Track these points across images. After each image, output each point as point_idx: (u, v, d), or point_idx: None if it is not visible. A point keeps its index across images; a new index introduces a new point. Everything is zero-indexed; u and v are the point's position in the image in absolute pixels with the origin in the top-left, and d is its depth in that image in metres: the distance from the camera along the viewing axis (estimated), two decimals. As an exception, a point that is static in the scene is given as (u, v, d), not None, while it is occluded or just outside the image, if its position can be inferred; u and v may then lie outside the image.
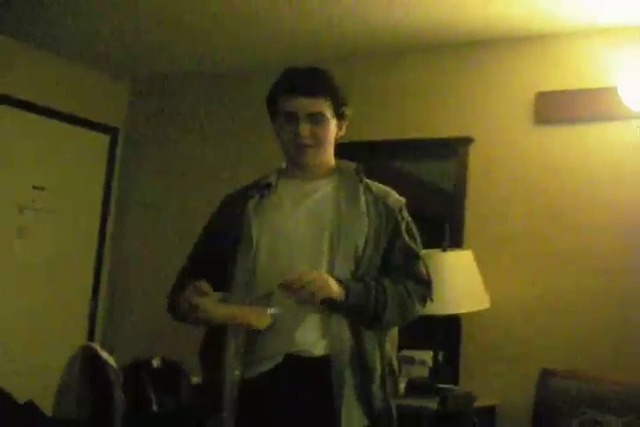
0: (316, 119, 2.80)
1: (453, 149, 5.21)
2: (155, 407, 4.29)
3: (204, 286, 2.63)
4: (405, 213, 2.89)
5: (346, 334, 2.66)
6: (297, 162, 2.86)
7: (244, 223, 2.77)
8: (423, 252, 4.66)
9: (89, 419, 4.02)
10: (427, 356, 4.76)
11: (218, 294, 2.64)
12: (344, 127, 2.95)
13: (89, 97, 6.10)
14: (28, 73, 5.68)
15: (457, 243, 4.96)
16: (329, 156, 2.92)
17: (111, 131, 6.27)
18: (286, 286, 2.56)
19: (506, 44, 5.11)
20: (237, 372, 2.65)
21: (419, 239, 2.89)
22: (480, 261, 4.71)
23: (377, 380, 2.69)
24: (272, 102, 2.86)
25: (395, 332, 2.87)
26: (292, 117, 2.79)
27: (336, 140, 2.92)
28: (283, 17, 4.99)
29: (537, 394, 4.49)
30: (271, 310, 2.60)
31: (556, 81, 4.95)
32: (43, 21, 5.22)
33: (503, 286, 4.83)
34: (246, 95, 5.91)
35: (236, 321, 2.61)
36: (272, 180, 2.89)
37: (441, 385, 4.56)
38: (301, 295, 2.56)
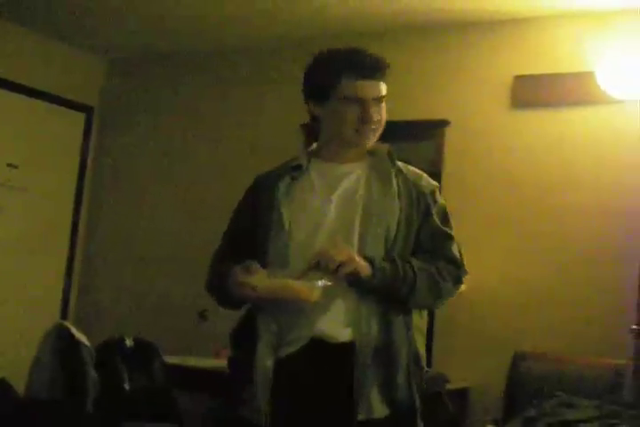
0: (380, 102, 2.77)
1: (429, 131, 5.22)
2: (127, 386, 4.28)
3: (253, 265, 2.59)
4: (438, 197, 2.85)
5: (374, 321, 2.62)
6: (354, 145, 2.78)
7: (275, 205, 2.73)
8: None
9: (62, 397, 4.01)
10: (400, 337, 4.77)
11: (265, 272, 2.60)
12: None
13: (65, 75, 6.06)
14: (3, 50, 5.63)
15: (432, 225, 4.96)
16: None
17: (86, 109, 6.23)
18: (313, 258, 2.55)
19: (484, 28, 5.11)
20: (269, 362, 2.63)
21: (451, 223, 2.84)
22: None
23: (402, 370, 2.63)
24: (331, 81, 2.77)
25: (424, 322, 2.82)
26: (359, 101, 2.73)
27: None
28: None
29: (509, 377, 4.52)
30: (321, 283, 2.54)
31: (534, 65, 4.96)
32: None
33: (478, 269, 4.83)
34: (224, 74, 5.89)
35: (289, 294, 2.56)
36: (303, 161, 2.83)
37: (414, 367, 4.57)
38: (328, 267, 2.53)
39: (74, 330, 4.19)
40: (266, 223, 2.72)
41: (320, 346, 2.62)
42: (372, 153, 2.84)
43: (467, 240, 4.81)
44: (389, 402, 2.63)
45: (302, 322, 2.64)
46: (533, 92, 4.95)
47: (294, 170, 2.81)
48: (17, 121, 5.76)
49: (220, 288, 2.73)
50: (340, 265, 2.53)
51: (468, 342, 4.86)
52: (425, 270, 2.66)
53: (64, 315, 6.01)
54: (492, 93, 5.08)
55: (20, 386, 4.09)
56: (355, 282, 2.59)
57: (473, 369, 4.79)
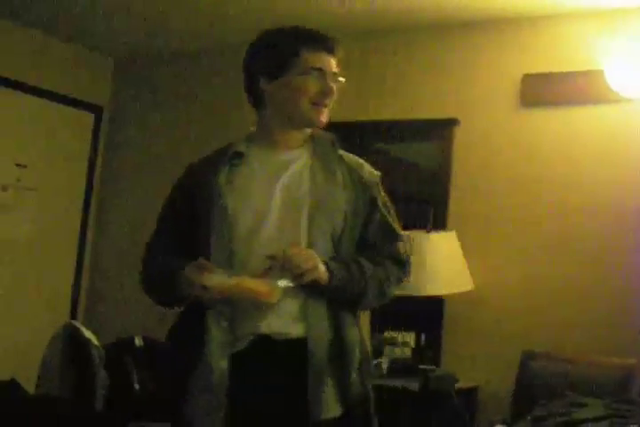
0: (336, 80, 2.74)
1: (439, 130, 5.21)
2: (136, 386, 4.29)
3: (207, 263, 2.47)
4: (381, 188, 2.78)
5: (324, 317, 2.54)
6: (310, 123, 2.71)
7: (217, 196, 2.61)
8: (407, 233, 4.69)
9: (71, 397, 4.02)
10: (409, 337, 4.78)
11: (220, 271, 2.47)
12: None
13: (74, 75, 6.06)
14: (13, 50, 5.64)
15: (441, 224, 4.97)
16: None
17: (96, 109, 6.24)
18: (276, 261, 2.45)
19: (493, 26, 5.10)
20: (224, 363, 2.50)
21: (395, 216, 2.78)
22: (464, 243, 4.72)
23: (355, 365, 2.57)
24: (291, 54, 2.68)
25: (366, 316, 2.78)
26: (321, 73, 2.69)
27: None
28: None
29: (518, 376, 4.51)
30: (282, 283, 2.44)
31: (543, 63, 4.94)
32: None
33: (486, 267, 4.84)
34: (234, 73, 5.90)
35: (247, 295, 2.45)
36: (242, 148, 2.72)
37: (423, 366, 4.57)
38: (292, 273, 2.45)
39: (83, 330, 4.20)
40: (207, 215, 2.59)
41: (269, 342, 2.52)
42: (314, 140, 2.76)
43: (475, 239, 4.87)
44: (343, 400, 2.54)
45: (250, 318, 2.52)
46: (542, 90, 4.94)
47: (233, 157, 2.70)
48: (26, 121, 5.76)
49: (166, 286, 2.59)
50: (304, 272, 2.46)
51: (477, 342, 4.85)
52: (376, 277, 2.61)
53: (74, 315, 6.02)
54: (501, 92, 5.07)
55: (29, 386, 4.11)
56: (309, 285, 2.51)
57: (482, 369, 4.79)
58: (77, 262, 6.11)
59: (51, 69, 5.91)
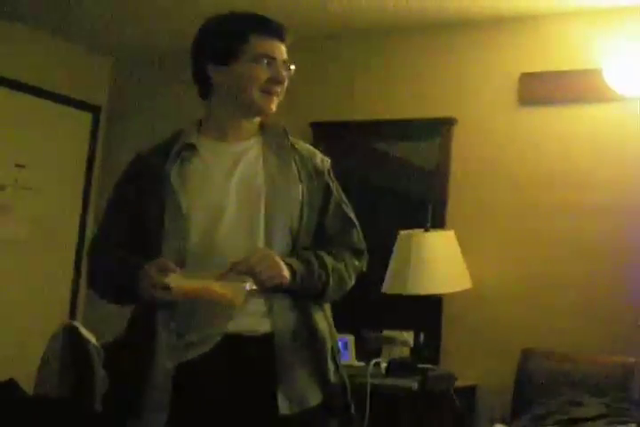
0: (287, 68, 2.63)
1: (437, 129, 5.21)
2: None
3: (169, 263, 2.38)
4: (333, 175, 2.72)
5: (290, 310, 2.50)
6: (260, 111, 2.63)
7: (168, 193, 2.52)
8: (404, 232, 4.70)
9: (70, 396, 4.02)
10: (408, 336, 4.77)
11: (181, 272, 2.38)
12: None
13: (72, 75, 6.06)
14: (10, 50, 5.63)
15: (439, 223, 4.97)
16: None
17: (93, 109, 6.24)
18: (239, 268, 2.38)
19: (490, 25, 5.10)
20: (169, 364, 2.44)
21: (349, 203, 2.73)
22: (462, 242, 4.72)
23: (329, 353, 2.55)
24: (240, 40, 2.60)
25: (329, 309, 2.73)
26: (270, 60, 2.59)
27: None
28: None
29: (517, 375, 4.51)
30: (247, 286, 2.36)
31: (541, 62, 4.95)
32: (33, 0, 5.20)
33: (485, 266, 4.85)
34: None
35: (210, 297, 2.36)
36: (193, 139, 2.65)
37: (422, 365, 4.57)
38: (256, 279, 2.38)
39: (82, 329, 4.19)
40: (158, 210, 2.50)
41: (237, 341, 2.46)
42: (265, 130, 2.69)
43: (474, 238, 4.87)
44: (321, 390, 2.52)
45: (210, 320, 2.46)
46: (540, 89, 4.94)
47: (185, 149, 2.63)
48: (24, 121, 5.76)
49: (119, 284, 2.51)
50: (267, 279, 2.40)
51: (476, 340, 4.85)
52: (336, 271, 2.57)
53: (72, 314, 6.02)
54: (499, 91, 5.07)
55: (28, 386, 4.10)
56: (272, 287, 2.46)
57: (481, 367, 4.79)
58: (76, 262, 6.10)
59: (49, 69, 5.90)
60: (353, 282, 2.67)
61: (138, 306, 2.61)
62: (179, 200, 2.51)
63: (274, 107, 2.62)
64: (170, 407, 2.43)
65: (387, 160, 5.54)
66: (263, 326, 2.48)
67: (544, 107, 4.93)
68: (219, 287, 2.36)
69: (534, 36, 5.00)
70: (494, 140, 5.04)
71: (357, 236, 2.70)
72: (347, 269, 2.62)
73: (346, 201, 2.73)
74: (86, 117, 6.20)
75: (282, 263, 2.43)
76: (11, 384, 4.04)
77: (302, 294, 2.53)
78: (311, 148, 2.75)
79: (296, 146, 2.69)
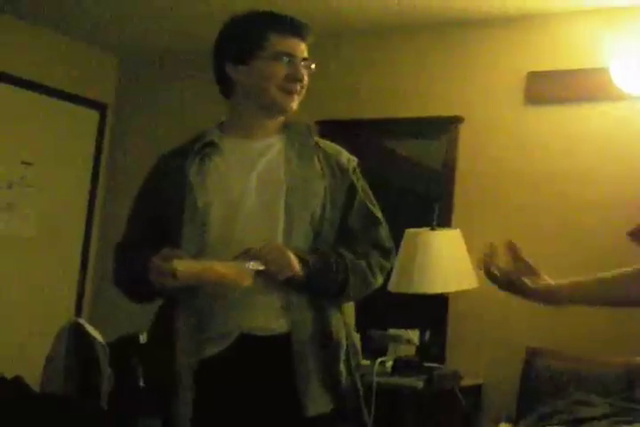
0: (308, 66, 2.66)
1: (443, 128, 5.20)
2: (141, 382, 4.29)
3: (174, 250, 2.42)
4: (359, 174, 2.71)
5: (307, 309, 2.49)
6: (280, 110, 2.65)
7: (187, 188, 2.54)
8: (410, 231, 4.69)
9: (76, 394, 4.03)
10: (414, 335, 4.77)
11: (187, 256, 2.40)
12: None
13: (79, 73, 6.06)
14: (17, 48, 5.64)
15: (446, 222, 4.96)
16: None
17: (100, 107, 6.24)
18: (250, 254, 2.39)
19: (498, 24, 5.10)
20: (191, 360, 2.45)
21: (375, 202, 2.71)
22: (468, 241, 4.71)
23: (342, 359, 2.52)
24: (260, 38, 2.62)
25: (352, 309, 2.72)
26: (289, 58, 2.61)
27: None
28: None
29: (523, 374, 4.51)
30: (251, 266, 2.35)
31: (548, 61, 4.94)
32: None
33: (491, 265, 4.84)
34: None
35: (214, 278, 2.34)
36: (214, 137, 2.65)
37: (427, 364, 4.57)
38: (265, 272, 2.39)
39: (88, 327, 4.21)
40: (178, 208, 2.53)
41: (252, 341, 2.46)
42: (288, 127, 2.69)
43: (481, 236, 4.85)
44: (333, 395, 2.49)
45: (227, 316, 2.47)
46: (547, 88, 4.93)
47: (205, 147, 2.63)
48: (31, 119, 5.77)
49: (134, 279, 2.53)
50: (277, 270, 2.40)
51: (482, 339, 4.85)
52: (357, 268, 2.55)
53: (78, 312, 6.03)
54: (505, 90, 5.07)
55: (34, 383, 4.11)
56: (286, 280, 2.46)
57: (486, 366, 4.79)
58: (82, 260, 6.12)
59: (56, 67, 5.91)
60: (380, 281, 2.65)
61: (162, 305, 2.61)
62: (195, 197, 2.52)
63: (294, 105, 2.65)
64: (193, 404, 2.44)
65: (393, 158, 5.54)
66: (280, 325, 2.48)
67: (551, 106, 4.93)
68: (223, 267, 2.35)
69: (542, 35, 4.99)
70: (501, 138, 5.03)
71: (384, 234, 2.68)
72: (370, 268, 2.60)
73: (373, 200, 2.71)
74: (93, 115, 6.20)
75: (293, 256, 2.43)
76: (17, 382, 4.05)
77: (319, 291, 2.52)
78: (337, 146, 2.74)
79: (320, 144, 2.69)
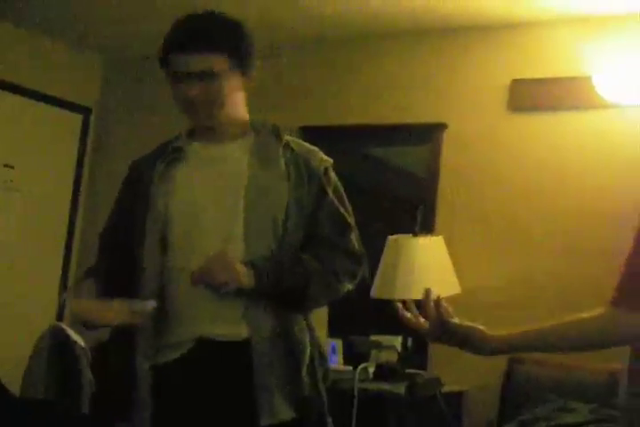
0: (207, 76, 2.48)
1: (427, 134, 5.21)
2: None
3: (86, 285, 2.47)
4: (333, 176, 2.63)
5: (267, 317, 2.45)
6: (195, 124, 2.63)
7: (150, 198, 2.53)
8: (393, 237, 4.69)
9: (57, 398, 4.01)
10: (396, 341, 4.77)
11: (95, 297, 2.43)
12: (252, 77, 2.66)
13: (62, 76, 6.05)
14: (1, 51, 5.62)
15: (428, 228, 4.97)
16: (236, 113, 2.62)
17: (84, 110, 6.22)
18: (194, 277, 2.39)
19: (482, 32, 5.11)
20: (147, 365, 2.45)
21: (349, 206, 2.64)
22: (451, 247, 4.72)
23: (305, 366, 2.48)
24: (164, 62, 2.59)
25: (324, 314, 2.68)
26: (181, 76, 2.51)
27: (246, 91, 2.66)
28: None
29: (505, 380, 4.52)
30: (136, 306, 2.34)
31: (531, 69, 4.96)
32: (29, 1, 5.19)
33: (474, 271, 4.85)
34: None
35: (90, 318, 2.36)
36: (181, 143, 2.63)
37: (409, 370, 4.57)
38: (211, 286, 2.39)
39: (69, 331, 4.18)
40: (141, 215, 2.52)
41: (210, 346, 2.44)
42: (255, 128, 2.64)
43: (463, 244, 4.87)
44: (294, 403, 2.45)
45: (186, 322, 2.46)
46: (531, 95, 4.95)
47: (171, 154, 2.62)
48: (14, 122, 5.75)
49: None
50: (221, 284, 2.38)
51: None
52: (320, 276, 2.50)
53: (60, 316, 6.00)
54: (489, 97, 5.08)
55: (15, 387, 4.09)
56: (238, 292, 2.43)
57: (468, 373, 4.79)
58: (64, 263, 6.09)
59: (39, 70, 5.89)
60: (348, 287, 2.59)
61: None
62: (156, 206, 2.51)
63: (201, 119, 2.59)
64: (151, 409, 2.43)
65: (376, 165, 5.55)
66: (239, 332, 2.45)
67: (534, 113, 4.95)
68: (118, 307, 2.35)
69: (526, 43, 5.01)
70: (484, 145, 5.05)
71: (354, 240, 2.62)
72: (336, 275, 2.54)
73: (346, 204, 2.64)
74: (76, 119, 6.18)
75: (240, 268, 2.39)
76: (-3, 386, 4.02)
77: (278, 299, 2.47)
78: (310, 147, 2.68)
79: (292, 144, 2.63)
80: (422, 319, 2.19)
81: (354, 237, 2.62)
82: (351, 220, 2.63)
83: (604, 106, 4.68)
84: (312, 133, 5.40)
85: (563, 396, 4.06)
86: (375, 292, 4.68)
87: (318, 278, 2.50)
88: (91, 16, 5.45)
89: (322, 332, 2.63)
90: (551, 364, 4.44)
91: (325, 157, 2.66)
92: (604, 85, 4.63)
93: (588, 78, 4.68)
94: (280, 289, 2.46)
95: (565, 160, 4.82)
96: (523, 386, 4.39)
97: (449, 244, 4.71)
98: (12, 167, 5.72)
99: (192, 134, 2.67)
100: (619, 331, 2.05)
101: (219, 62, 2.50)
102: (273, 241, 2.48)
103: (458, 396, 4.77)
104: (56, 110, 6.00)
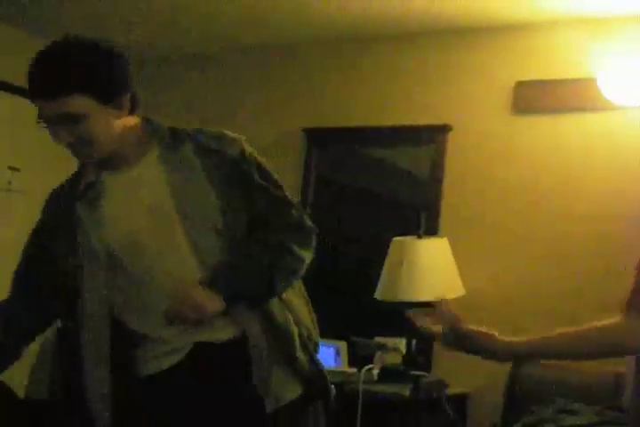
0: (71, 119, 2.39)
1: (431, 136, 5.21)
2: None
3: None
4: (250, 156, 2.53)
5: (250, 312, 2.47)
6: (84, 162, 2.57)
7: (81, 237, 2.48)
8: (397, 239, 4.68)
9: (62, 398, 4.01)
10: (400, 343, 4.77)
11: None
12: (126, 106, 2.51)
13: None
14: (4, 53, 5.62)
15: (432, 230, 4.97)
16: (124, 140, 2.49)
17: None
18: (169, 319, 2.41)
19: (486, 33, 5.11)
20: (106, 377, 2.47)
21: (278, 181, 2.56)
22: (455, 249, 4.72)
23: (296, 344, 2.51)
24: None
25: (298, 290, 2.66)
26: (48, 120, 2.44)
27: (127, 119, 2.53)
28: None
29: (509, 382, 4.51)
30: None
31: (536, 71, 4.95)
32: (28, 2, 5.19)
33: (478, 273, 4.84)
34: (228, 75, 5.89)
35: None
36: (93, 178, 2.53)
37: (414, 372, 4.57)
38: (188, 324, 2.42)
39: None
40: (73, 260, 2.49)
41: (207, 348, 2.46)
42: (156, 140, 2.54)
43: (467, 245, 4.87)
44: (297, 380, 2.52)
45: (178, 329, 2.46)
46: (535, 97, 4.95)
47: (87, 190, 2.53)
48: (18, 124, 5.73)
49: None
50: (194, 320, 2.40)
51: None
52: (278, 260, 2.48)
53: (64, 318, 5.99)
54: (493, 99, 5.08)
55: (19, 390, 4.08)
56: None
57: (473, 375, 4.78)
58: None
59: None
60: (307, 258, 2.56)
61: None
62: (95, 247, 2.46)
63: (87, 158, 2.53)
64: (152, 417, 2.45)
65: (380, 167, 5.54)
66: (229, 331, 2.48)
67: (538, 115, 4.94)
68: None
69: (529, 45, 5.01)
70: (488, 147, 5.04)
71: (295, 213, 2.57)
72: (292, 253, 2.51)
73: (276, 181, 2.57)
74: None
75: (206, 301, 2.40)
76: (1, 387, 4.02)
77: (251, 299, 2.48)
78: (216, 133, 2.58)
79: (199, 138, 2.54)
80: (434, 325, 2.20)
81: (294, 211, 2.57)
82: (286, 195, 2.58)
83: (609, 108, 4.68)
84: (316, 135, 5.43)
85: (567, 398, 4.05)
86: (379, 293, 4.68)
87: (279, 265, 2.49)
88: (94, 19, 5.45)
89: (298, 301, 2.62)
90: (556, 366, 4.43)
91: (233, 137, 2.57)
92: (609, 87, 4.62)
93: (593, 80, 4.67)
94: (248, 292, 2.47)
95: (570, 162, 4.82)
96: (527, 388, 4.38)
97: (453, 245, 4.71)
98: (17, 169, 5.72)
99: (99, 164, 2.55)
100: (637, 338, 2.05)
101: (80, 103, 2.36)
102: (226, 246, 2.47)
103: (462, 398, 4.76)
104: (61, 112, 6.00)
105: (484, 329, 2.18)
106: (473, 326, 2.15)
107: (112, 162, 2.51)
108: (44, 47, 2.44)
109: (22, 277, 2.78)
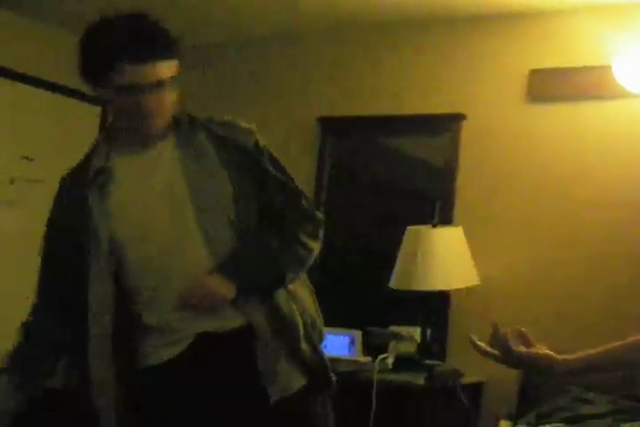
0: (160, 87, 2.36)
1: (446, 125, 5.20)
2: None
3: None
4: (261, 145, 2.53)
5: (257, 302, 2.48)
6: (143, 134, 2.48)
7: (91, 225, 2.46)
8: (412, 228, 4.68)
9: (76, 389, 4.02)
10: (415, 332, 4.77)
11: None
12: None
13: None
14: (18, 43, 5.63)
15: (447, 219, 4.96)
16: (169, 117, 2.50)
17: (102, 102, 6.20)
18: (181, 306, 2.42)
19: (500, 21, 5.09)
20: (110, 371, 2.50)
21: (289, 174, 2.59)
22: (470, 238, 4.71)
23: (300, 334, 2.52)
24: (101, 70, 2.43)
25: (303, 282, 2.63)
26: (134, 89, 2.35)
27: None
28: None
29: (524, 372, 4.50)
30: None
31: (550, 58, 4.93)
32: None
33: (493, 262, 4.84)
34: (235, 68, 5.88)
35: None
36: (102, 162, 2.51)
37: (428, 361, 4.57)
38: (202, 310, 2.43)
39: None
40: (85, 246, 2.48)
41: (211, 338, 2.46)
42: (176, 125, 2.52)
43: (482, 234, 4.86)
44: (300, 370, 2.52)
45: (182, 319, 2.47)
46: (550, 85, 4.93)
47: (97, 176, 2.50)
48: (33, 114, 5.75)
49: None
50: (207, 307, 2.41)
51: (483, 337, 4.83)
52: (288, 250, 2.52)
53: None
54: (508, 87, 5.06)
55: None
56: None
57: (487, 364, 4.74)
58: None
59: (58, 62, 5.89)
60: (316, 249, 2.59)
61: None
62: (99, 234, 2.46)
63: (154, 130, 2.46)
64: (155, 408, 2.48)
65: (395, 156, 5.53)
66: (235, 320, 2.49)
67: (553, 103, 4.92)
68: None
69: (544, 33, 4.98)
70: (503, 136, 5.03)
71: (306, 204, 2.60)
72: (303, 245, 2.55)
73: (286, 172, 2.58)
74: (95, 110, 6.19)
75: (217, 287, 2.42)
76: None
77: (260, 289, 2.51)
78: (232, 123, 2.56)
79: (214, 127, 2.53)
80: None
81: (305, 202, 2.60)
82: (295, 185, 2.60)
83: (625, 95, 4.65)
84: (330, 124, 5.42)
85: (582, 386, 4.04)
86: (394, 283, 4.68)
87: (288, 254, 2.53)
88: (109, 9, 5.44)
89: (303, 291, 2.63)
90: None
91: (247, 126, 2.56)
92: (624, 75, 4.60)
93: (608, 67, 4.65)
94: (259, 282, 2.50)
95: (585, 150, 4.80)
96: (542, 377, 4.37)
97: (468, 234, 4.71)
98: (32, 159, 5.73)
99: (109, 142, 2.56)
100: None
101: (169, 70, 2.38)
102: (232, 235, 2.47)
103: (477, 387, 4.76)
104: (75, 102, 6.00)
105: (540, 350, 2.16)
106: (526, 349, 2.15)
107: (128, 141, 2.51)
108: (113, 17, 2.60)
109: (48, 290, 2.84)
